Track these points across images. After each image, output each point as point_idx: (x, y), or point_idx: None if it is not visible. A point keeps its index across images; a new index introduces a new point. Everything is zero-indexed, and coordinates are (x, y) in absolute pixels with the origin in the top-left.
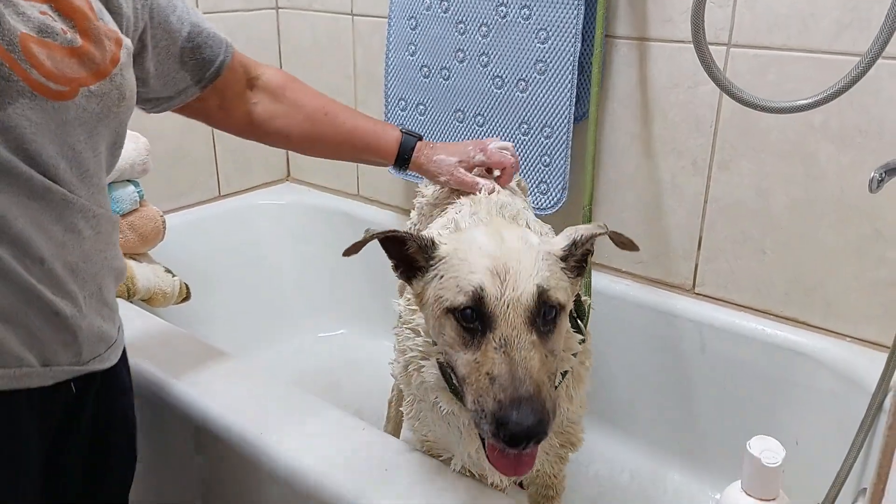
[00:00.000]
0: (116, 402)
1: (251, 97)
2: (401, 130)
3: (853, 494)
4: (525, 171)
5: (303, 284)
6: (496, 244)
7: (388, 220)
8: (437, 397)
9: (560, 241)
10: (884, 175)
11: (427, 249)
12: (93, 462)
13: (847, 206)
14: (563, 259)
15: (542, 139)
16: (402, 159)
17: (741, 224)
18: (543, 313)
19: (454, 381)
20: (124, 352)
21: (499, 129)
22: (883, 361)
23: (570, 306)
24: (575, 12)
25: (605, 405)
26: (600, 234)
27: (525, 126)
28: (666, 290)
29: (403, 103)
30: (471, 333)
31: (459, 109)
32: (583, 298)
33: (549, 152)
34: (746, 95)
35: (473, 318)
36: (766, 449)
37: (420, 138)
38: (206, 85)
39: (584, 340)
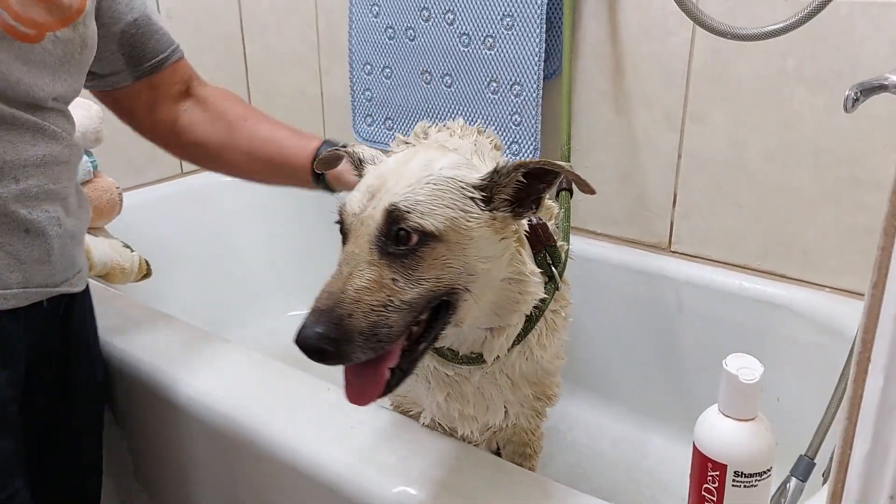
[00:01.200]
0: (83, 329)
1: (182, 105)
2: (324, 140)
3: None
4: (496, 132)
5: (270, 262)
6: (395, 164)
7: None
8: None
9: (483, 173)
10: (859, 94)
11: (358, 167)
12: (64, 385)
13: (823, 151)
14: (482, 189)
15: (512, 97)
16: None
17: (716, 178)
18: (396, 236)
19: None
20: (88, 287)
21: (467, 88)
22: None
23: (476, 235)
24: None
25: (584, 370)
26: (533, 166)
27: (494, 84)
28: (642, 249)
29: (369, 67)
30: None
31: (426, 70)
32: (559, 244)
33: (519, 111)
34: (716, 24)
35: (343, 233)
36: (744, 366)
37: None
38: (142, 76)
39: (557, 287)
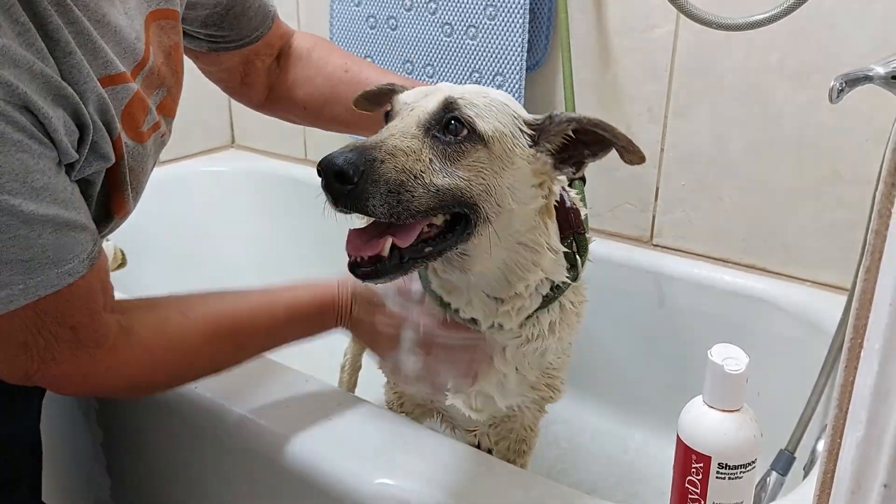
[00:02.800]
0: None
1: (277, 66)
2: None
3: (817, 435)
4: None
5: (249, 255)
6: (454, 85)
7: None
8: None
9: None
10: (843, 85)
11: (393, 97)
12: None
13: (805, 146)
14: (531, 127)
15: (495, 88)
16: None
17: (698, 172)
18: (447, 124)
19: None
20: None
21: (449, 78)
22: (842, 305)
23: (514, 160)
24: None
25: None
26: (586, 122)
27: (476, 75)
28: (624, 242)
29: None
30: None
31: (408, 60)
32: (582, 213)
33: None
34: (701, 13)
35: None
36: (729, 356)
37: None
38: (235, 48)
39: (577, 277)
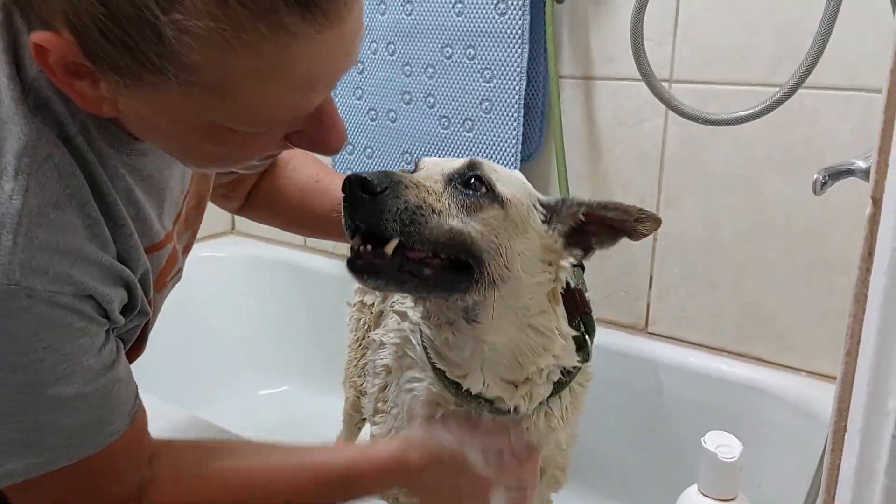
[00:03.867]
0: None
1: (257, 179)
2: None
3: None
4: None
5: (244, 339)
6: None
7: (337, 271)
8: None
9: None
10: (827, 178)
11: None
12: None
13: (795, 235)
14: (545, 207)
15: None
16: None
17: (691, 259)
18: (468, 180)
19: None
20: None
21: None
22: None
23: (526, 230)
24: (519, 51)
25: None
26: (594, 204)
27: None
28: (618, 330)
29: (351, 147)
30: None
31: (406, 151)
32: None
33: None
34: (688, 109)
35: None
36: (722, 444)
37: None
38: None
39: (588, 358)
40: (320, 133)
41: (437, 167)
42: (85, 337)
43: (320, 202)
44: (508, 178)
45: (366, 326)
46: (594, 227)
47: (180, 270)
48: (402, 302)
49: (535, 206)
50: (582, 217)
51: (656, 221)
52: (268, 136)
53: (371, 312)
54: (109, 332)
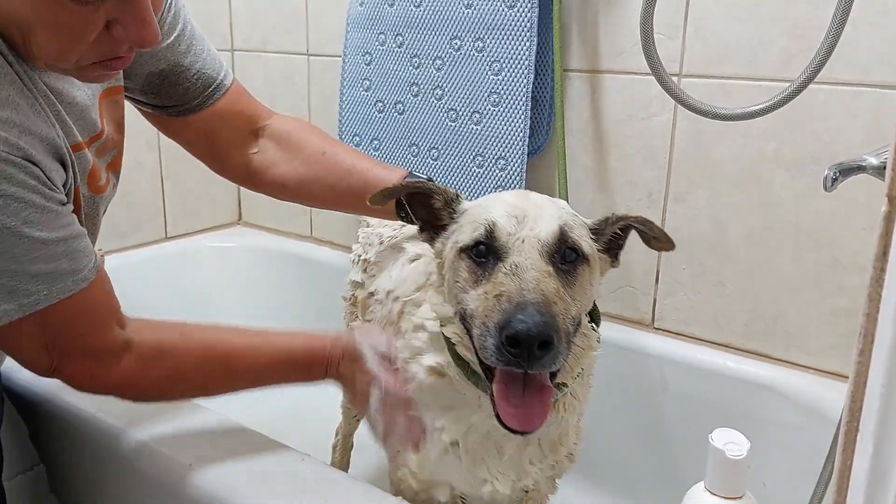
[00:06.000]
0: None
1: (252, 147)
2: (409, 172)
3: None
4: None
5: None
6: (520, 199)
7: (342, 262)
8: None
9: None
10: (837, 174)
11: (452, 202)
12: None
13: (804, 233)
14: (592, 231)
15: (497, 171)
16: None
17: (698, 256)
18: (563, 253)
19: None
20: None
21: (453, 161)
22: (845, 392)
23: (596, 269)
24: (528, 44)
25: None
26: (632, 220)
27: (479, 158)
28: (625, 325)
29: (358, 139)
30: (482, 267)
31: (414, 143)
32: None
33: (503, 184)
34: (698, 104)
35: (485, 252)
36: (730, 441)
37: (430, 181)
38: (181, 115)
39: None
40: (133, 23)
41: (530, 248)
42: (37, 194)
43: (327, 174)
44: (579, 225)
45: (359, 320)
46: (622, 232)
47: (115, 186)
48: (412, 312)
49: (590, 236)
50: (619, 230)
51: (672, 246)
52: (92, 16)
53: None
54: (66, 206)
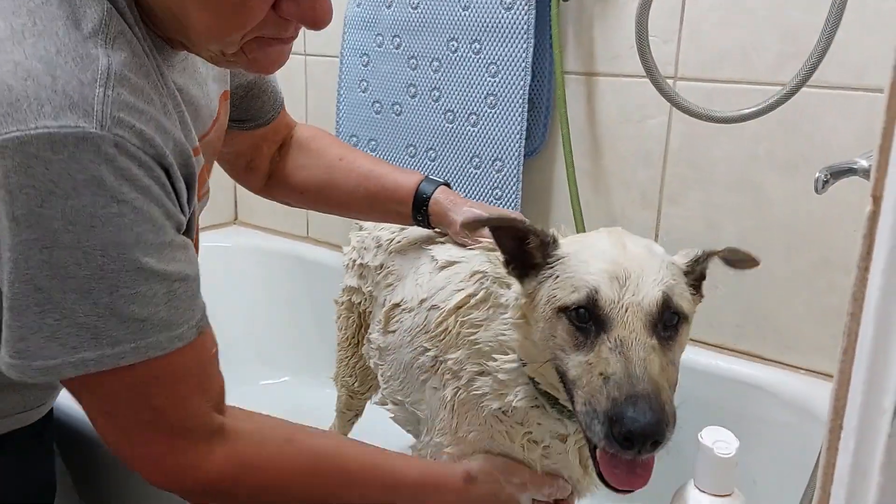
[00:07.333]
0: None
1: (279, 152)
2: (426, 176)
3: None
4: None
5: (246, 329)
6: (618, 251)
7: (338, 262)
8: (535, 421)
9: (682, 257)
10: (828, 176)
11: (547, 246)
12: None
13: (796, 233)
14: (685, 273)
15: (494, 173)
16: (420, 201)
17: None
18: (665, 320)
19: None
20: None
21: (450, 163)
22: None
23: (692, 320)
24: (525, 46)
25: None
26: (720, 253)
27: (476, 160)
28: None
29: (355, 139)
30: (584, 334)
31: (411, 144)
32: None
33: (500, 186)
34: (692, 106)
35: (587, 318)
36: (719, 440)
37: (447, 185)
38: (244, 130)
39: None
40: (307, 1)
41: (634, 319)
42: (160, 208)
43: (345, 179)
44: (679, 283)
45: (354, 325)
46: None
47: (208, 192)
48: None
49: (685, 283)
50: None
51: (756, 263)
52: None
53: (359, 312)
54: (178, 227)
